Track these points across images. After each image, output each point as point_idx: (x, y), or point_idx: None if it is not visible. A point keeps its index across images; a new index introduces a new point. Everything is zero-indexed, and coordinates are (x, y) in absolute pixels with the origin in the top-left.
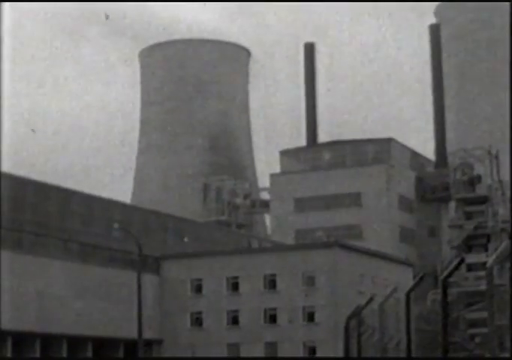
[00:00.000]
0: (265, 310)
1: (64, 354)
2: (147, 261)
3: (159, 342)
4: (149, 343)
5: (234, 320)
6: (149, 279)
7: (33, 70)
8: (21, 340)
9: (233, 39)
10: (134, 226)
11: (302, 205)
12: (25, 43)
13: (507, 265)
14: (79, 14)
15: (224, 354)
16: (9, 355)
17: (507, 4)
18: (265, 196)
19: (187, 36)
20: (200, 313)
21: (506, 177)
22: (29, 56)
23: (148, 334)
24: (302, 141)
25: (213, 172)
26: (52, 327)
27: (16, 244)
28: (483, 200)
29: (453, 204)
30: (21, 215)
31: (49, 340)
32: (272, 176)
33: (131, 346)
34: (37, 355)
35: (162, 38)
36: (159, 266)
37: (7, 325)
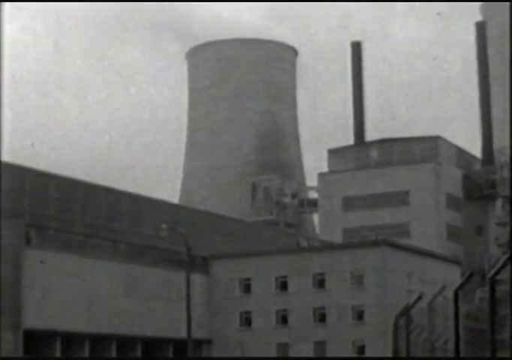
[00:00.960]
0: (314, 310)
1: (114, 354)
2: (196, 261)
3: (208, 342)
4: (198, 343)
5: (283, 320)
6: (197, 279)
7: (81, 72)
8: (70, 340)
9: (279, 38)
10: (183, 226)
11: (349, 203)
12: (72, 45)
13: None
14: (127, 15)
15: (273, 354)
16: (58, 355)
17: None
18: (313, 195)
19: (233, 36)
20: (248, 312)
21: None
22: (77, 58)
23: (197, 334)
24: (349, 139)
25: (261, 172)
26: (101, 327)
27: (65, 245)
28: None
29: (499, 201)
30: (70, 216)
31: (98, 341)
32: (320, 175)
33: (180, 346)
34: (86, 355)
35: (209, 38)
36: (208, 266)
37: (57, 325)
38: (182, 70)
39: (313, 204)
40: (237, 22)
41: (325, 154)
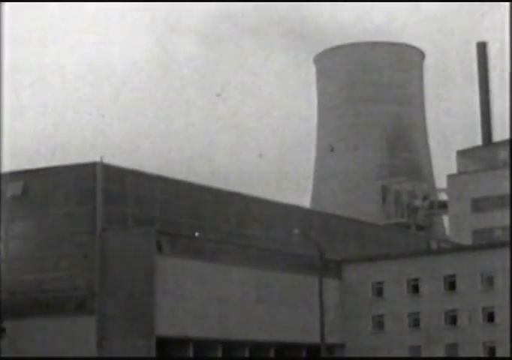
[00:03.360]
0: (445, 312)
1: None
2: (328, 265)
3: (342, 346)
4: (331, 348)
5: (415, 322)
6: (330, 283)
7: (210, 77)
8: (203, 347)
9: (406, 40)
10: (315, 230)
11: (479, 204)
12: (191, 45)
13: None
14: (254, 20)
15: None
16: None
17: None
18: (443, 196)
19: (360, 39)
20: (381, 316)
21: None
22: (209, 58)
23: (330, 339)
24: (477, 140)
25: (391, 174)
26: (234, 333)
27: (196, 252)
28: None
29: None
30: (201, 223)
31: (230, 347)
32: (450, 177)
33: (313, 350)
34: None
35: (336, 42)
36: (340, 270)
37: (190, 331)
38: (310, 75)
39: (443, 206)
40: (364, 26)
41: (454, 156)
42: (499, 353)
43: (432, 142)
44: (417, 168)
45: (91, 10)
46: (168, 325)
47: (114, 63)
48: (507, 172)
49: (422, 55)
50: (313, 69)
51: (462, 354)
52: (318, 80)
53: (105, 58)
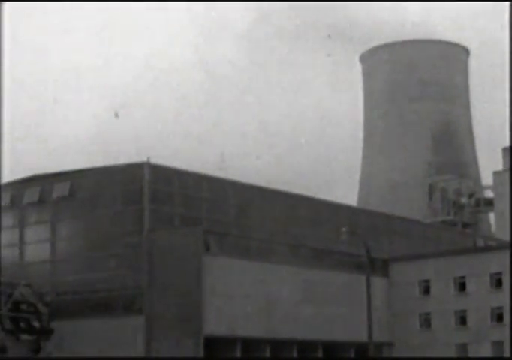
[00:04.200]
0: (492, 309)
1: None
2: (375, 263)
3: (389, 344)
4: (379, 346)
5: (462, 320)
6: (377, 281)
7: (256, 79)
8: (250, 345)
9: (449, 38)
10: (362, 228)
11: None
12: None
13: None
14: (298, 21)
15: (452, 354)
16: None
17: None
18: (489, 194)
19: (404, 37)
20: (428, 314)
21: None
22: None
23: (378, 337)
24: None
25: (437, 172)
26: (282, 332)
27: (244, 251)
28: None
29: None
30: (248, 221)
31: (278, 346)
32: (496, 174)
33: (361, 349)
34: None
35: (380, 41)
36: (387, 268)
37: (237, 330)
38: (355, 74)
39: (489, 203)
40: (409, 24)
41: (500, 153)
42: None
43: (478, 140)
44: (463, 165)
45: (136, 10)
46: (216, 324)
47: (159, 64)
48: None
49: (467, 52)
50: (359, 68)
51: (508, 352)
52: (364, 79)
53: (149, 59)
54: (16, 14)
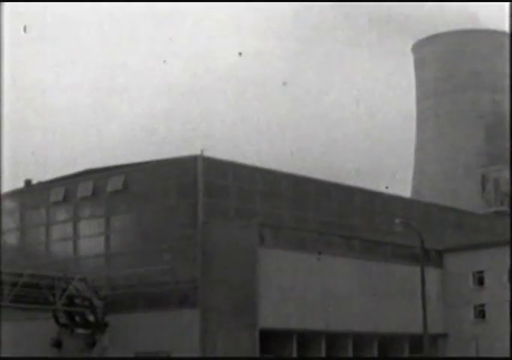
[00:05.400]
0: None
1: (350, 352)
2: (429, 255)
3: (444, 336)
4: (434, 338)
5: None
6: (431, 273)
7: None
8: (306, 339)
9: (500, 27)
10: (415, 219)
11: None
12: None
13: None
14: (351, 6)
15: (507, 346)
16: (294, 354)
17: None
18: None
19: (456, 27)
20: (482, 305)
21: None
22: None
23: (432, 329)
24: None
25: (490, 163)
26: (337, 325)
27: (299, 244)
28: None
29: None
30: (303, 214)
31: (334, 338)
32: None
33: (415, 341)
34: (323, 354)
35: (433, 30)
36: (441, 259)
37: (293, 324)
38: (407, 64)
39: None
40: (461, 13)
41: None
42: None
43: None
44: None
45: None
46: (271, 317)
47: (215, 59)
48: None
49: None
50: (411, 58)
51: None
52: (416, 69)
53: (203, 54)
54: None
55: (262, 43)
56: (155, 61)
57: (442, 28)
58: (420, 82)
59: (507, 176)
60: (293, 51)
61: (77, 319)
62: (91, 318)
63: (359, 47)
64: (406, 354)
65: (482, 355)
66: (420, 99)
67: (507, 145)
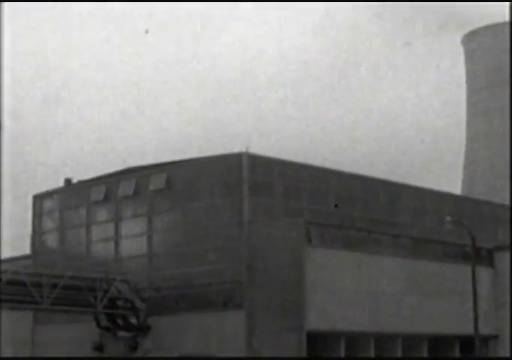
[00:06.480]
0: None
1: (399, 353)
2: (480, 253)
3: (495, 337)
4: (485, 339)
5: None
6: (483, 272)
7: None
8: (354, 340)
9: None
10: (466, 217)
11: None
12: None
13: None
14: (396, 9)
15: None
16: (342, 356)
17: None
18: None
19: (506, 18)
20: None
21: None
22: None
23: (484, 330)
24: None
25: None
26: (386, 326)
27: (346, 242)
28: None
29: None
30: (350, 212)
31: (382, 340)
32: None
33: (466, 343)
34: (371, 355)
35: (481, 23)
36: (493, 258)
37: (340, 325)
38: (458, 57)
39: None
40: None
41: None
42: None
43: None
44: None
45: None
46: (318, 319)
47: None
48: None
49: None
50: (461, 51)
51: None
52: (467, 62)
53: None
54: None
55: (313, 42)
56: (201, 58)
57: (492, 20)
58: (471, 76)
59: None
60: (345, 48)
61: (119, 321)
62: (133, 320)
63: (412, 39)
64: (457, 355)
65: None
66: (470, 92)
67: None
